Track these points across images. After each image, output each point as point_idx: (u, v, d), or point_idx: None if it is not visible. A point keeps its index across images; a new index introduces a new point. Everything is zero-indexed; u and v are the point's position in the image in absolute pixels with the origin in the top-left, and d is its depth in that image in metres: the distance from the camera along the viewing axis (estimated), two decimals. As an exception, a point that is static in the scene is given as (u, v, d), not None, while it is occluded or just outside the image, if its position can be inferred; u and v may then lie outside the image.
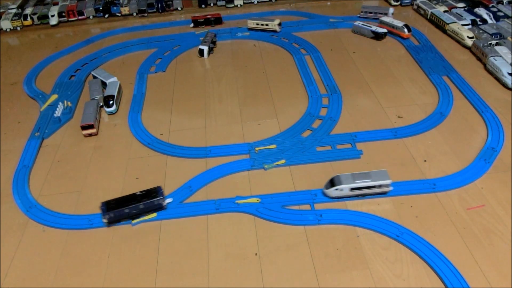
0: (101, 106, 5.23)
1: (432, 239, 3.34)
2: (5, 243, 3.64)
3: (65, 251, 3.51)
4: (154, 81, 5.84)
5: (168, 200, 3.82)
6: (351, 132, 4.55)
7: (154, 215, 3.73)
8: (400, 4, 7.52)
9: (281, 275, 3.19)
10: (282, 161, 4.21)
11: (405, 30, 6.17)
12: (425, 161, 4.14)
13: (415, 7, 7.30)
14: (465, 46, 6.03)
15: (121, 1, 8.04)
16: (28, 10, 7.84)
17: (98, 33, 7.31)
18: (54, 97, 5.51)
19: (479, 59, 5.70)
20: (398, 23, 6.26)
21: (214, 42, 6.50)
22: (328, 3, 7.91)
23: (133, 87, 5.69)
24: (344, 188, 3.64)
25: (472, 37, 5.95)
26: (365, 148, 4.32)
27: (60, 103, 5.32)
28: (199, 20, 7.20)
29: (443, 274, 3.08)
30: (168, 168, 4.28)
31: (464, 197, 3.71)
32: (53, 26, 7.66)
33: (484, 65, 5.53)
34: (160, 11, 7.91)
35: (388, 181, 3.65)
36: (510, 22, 6.30)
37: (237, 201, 3.81)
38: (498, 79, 5.24)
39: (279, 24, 6.63)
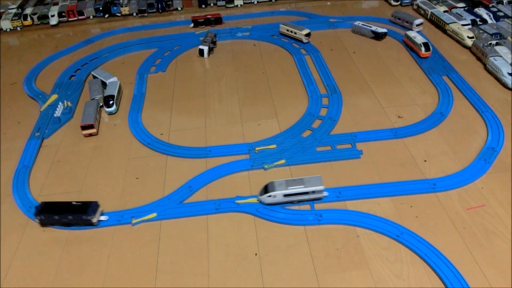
0: (101, 106, 5.23)
1: (432, 239, 3.34)
2: (5, 243, 3.64)
3: (65, 251, 3.51)
4: (154, 81, 5.84)
5: (103, 218, 3.68)
6: (351, 132, 4.55)
7: (154, 215, 3.74)
8: (400, 4, 7.52)
9: (281, 275, 3.19)
10: (282, 161, 4.21)
11: (423, 48, 5.68)
12: (425, 161, 4.14)
13: (415, 7, 7.30)
14: (465, 46, 6.02)
15: (121, 1, 8.03)
16: (28, 10, 7.84)
17: (98, 33, 7.31)
18: (54, 97, 5.51)
19: (479, 59, 5.70)
20: (419, 39, 5.79)
21: (214, 42, 6.50)
22: (328, 3, 7.91)
23: (133, 87, 5.69)
24: (277, 195, 3.63)
25: (472, 37, 5.95)
26: (365, 148, 4.32)
27: (60, 103, 5.32)
28: (199, 20, 7.20)
29: (443, 274, 3.08)
30: (168, 168, 4.28)
31: (464, 197, 3.71)
32: (53, 26, 7.66)
33: (484, 65, 5.53)
34: (160, 11, 7.91)
35: (321, 187, 3.63)
36: (510, 22, 6.30)
37: (237, 201, 3.81)
38: (498, 79, 5.24)
39: (307, 35, 6.31)
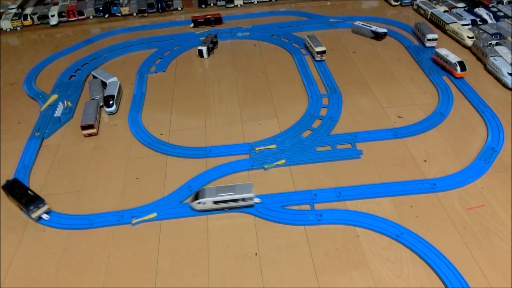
0: (101, 106, 5.23)
1: (432, 239, 3.34)
2: (5, 243, 3.64)
3: (65, 251, 3.51)
4: (154, 81, 5.84)
5: (44, 216, 3.76)
6: (351, 132, 4.55)
7: (154, 215, 3.74)
8: (400, 4, 7.52)
9: (281, 275, 3.19)
10: (282, 161, 4.21)
11: (458, 68, 5.19)
12: (425, 161, 4.14)
13: (415, 7, 7.30)
14: (465, 46, 6.03)
15: (121, 1, 8.04)
16: (28, 10, 7.84)
17: (98, 33, 7.31)
18: (54, 97, 5.51)
19: (479, 59, 5.70)
20: (453, 58, 5.27)
21: (214, 43, 6.50)
22: (328, 3, 7.91)
23: (133, 87, 5.69)
24: (207, 202, 3.63)
25: (472, 37, 5.96)
26: (365, 148, 4.32)
27: (60, 103, 5.32)
28: (199, 20, 7.20)
29: (443, 274, 3.08)
30: (168, 168, 4.28)
31: (464, 197, 3.71)
32: (53, 26, 7.66)
33: (484, 65, 5.53)
34: (160, 11, 7.91)
35: (250, 195, 3.62)
36: (510, 22, 6.30)
37: (237, 201, 3.81)
38: (498, 79, 5.24)
39: (321, 52, 5.84)
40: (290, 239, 3.45)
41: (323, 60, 5.87)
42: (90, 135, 4.79)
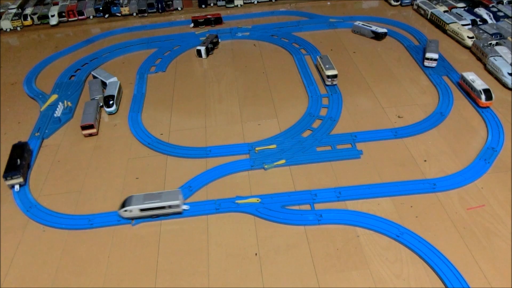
0: (101, 106, 5.23)
1: (432, 239, 3.34)
2: (5, 243, 3.64)
3: (65, 251, 3.51)
4: (154, 81, 5.84)
5: (16, 188, 4.07)
6: (351, 132, 4.55)
7: (154, 215, 3.74)
8: (400, 4, 7.52)
9: (281, 275, 3.19)
10: (282, 161, 4.21)
11: (483, 96, 4.65)
12: (425, 161, 4.14)
13: (415, 7, 7.30)
14: (465, 46, 6.03)
15: (121, 1, 8.03)
16: (28, 10, 7.84)
17: (98, 33, 7.31)
18: (54, 97, 5.51)
19: (479, 59, 5.70)
20: (478, 85, 4.76)
21: (214, 43, 6.49)
22: (328, 3, 7.91)
23: (133, 87, 5.69)
24: (133, 209, 3.62)
25: (472, 37, 5.96)
26: (365, 148, 4.32)
27: (60, 103, 5.32)
28: (199, 20, 7.20)
29: (443, 274, 3.08)
30: (168, 168, 4.28)
31: (464, 197, 3.71)
32: (53, 26, 7.66)
33: (484, 65, 5.53)
34: (160, 11, 7.91)
35: (176, 202, 3.61)
36: (510, 22, 6.30)
37: (237, 201, 3.81)
38: (498, 79, 5.24)
39: (330, 77, 5.26)
40: (290, 239, 3.45)
41: (334, 84, 5.33)
42: (90, 135, 4.79)
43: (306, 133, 4.58)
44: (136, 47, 6.74)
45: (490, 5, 6.87)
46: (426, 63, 5.57)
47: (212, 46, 6.40)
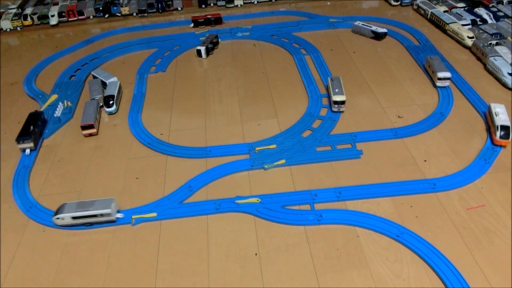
0: (101, 106, 5.23)
1: (432, 239, 3.34)
2: (5, 243, 3.64)
3: (65, 251, 3.51)
4: (154, 81, 5.84)
5: (27, 151, 4.47)
6: (351, 132, 4.55)
7: (154, 215, 3.74)
8: (400, 4, 7.52)
9: (281, 275, 3.19)
10: (282, 161, 4.21)
11: (498, 133, 4.15)
12: (425, 161, 4.14)
13: (415, 7, 7.30)
14: (465, 46, 6.03)
15: (121, 1, 8.04)
16: (28, 10, 7.84)
17: (98, 33, 7.31)
18: (54, 97, 5.51)
19: (479, 59, 5.70)
20: (500, 120, 4.21)
21: (214, 43, 6.49)
22: (328, 3, 7.91)
23: (133, 87, 5.69)
24: (65, 217, 3.60)
25: (472, 37, 5.96)
26: (365, 148, 4.32)
27: (60, 103, 5.32)
28: (199, 20, 7.20)
29: (443, 274, 3.08)
30: (168, 168, 4.28)
31: (464, 197, 3.71)
32: (53, 26, 7.66)
33: (484, 65, 5.53)
34: (160, 11, 7.91)
35: (108, 210, 3.60)
36: (510, 22, 6.30)
37: (237, 201, 3.81)
38: (498, 79, 5.24)
39: (337, 103, 4.77)
40: (290, 239, 3.45)
41: (341, 111, 4.85)
42: (90, 135, 4.80)
43: (306, 133, 4.58)
44: (136, 47, 6.74)
45: (490, 5, 6.87)
46: (439, 83, 5.07)
47: (212, 46, 6.40)
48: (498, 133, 4.15)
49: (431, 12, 6.79)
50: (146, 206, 3.84)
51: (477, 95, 4.96)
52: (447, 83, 5.09)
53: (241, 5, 7.99)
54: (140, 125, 4.93)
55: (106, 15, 7.90)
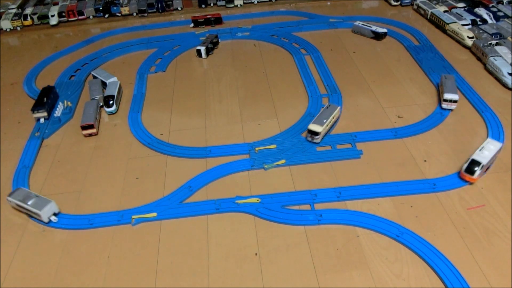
0: (101, 106, 5.23)
1: (432, 239, 3.34)
2: (5, 243, 3.64)
3: (65, 251, 3.51)
4: (154, 81, 5.84)
5: (41, 120, 4.93)
6: (351, 132, 4.55)
7: (154, 215, 3.74)
8: (400, 4, 7.52)
9: (281, 275, 3.19)
10: (282, 161, 4.21)
11: (465, 165, 3.81)
12: (425, 161, 4.14)
13: (415, 7, 7.30)
14: (465, 46, 6.03)
15: (121, 1, 8.03)
16: (28, 10, 7.84)
17: (98, 33, 7.31)
18: (54, 97, 5.52)
19: (479, 59, 5.70)
20: (476, 154, 3.86)
21: (215, 43, 6.49)
22: (328, 3, 7.91)
23: (133, 87, 5.69)
24: (12, 201, 3.81)
25: (472, 37, 5.96)
26: (365, 148, 4.32)
27: (60, 103, 5.32)
28: (199, 20, 7.20)
29: (443, 274, 3.08)
30: (168, 168, 4.28)
31: (464, 197, 3.71)
32: (53, 26, 7.66)
33: (484, 65, 5.53)
34: (160, 11, 7.91)
35: (38, 212, 3.64)
36: (510, 22, 6.30)
37: (237, 201, 3.81)
38: (498, 79, 5.24)
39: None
40: (290, 239, 3.45)
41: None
42: (90, 135, 4.80)
43: (306, 133, 4.58)
44: (136, 47, 6.74)
45: (490, 5, 6.87)
46: (445, 105, 4.73)
47: (212, 46, 6.40)
48: (464, 165, 3.82)
49: (431, 12, 6.79)
50: (146, 206, 3.84)
51: (477, 95, 4.96)
52: (453, 106, 4.72)
53: (241, 5, 7.99)
54: (140, 125, 4.93)
55: (106, 15, 7.90)
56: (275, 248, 3.39)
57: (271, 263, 3.28)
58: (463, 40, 6.02)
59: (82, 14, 7.82)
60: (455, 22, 6.36)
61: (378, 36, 6.38)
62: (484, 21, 6.49)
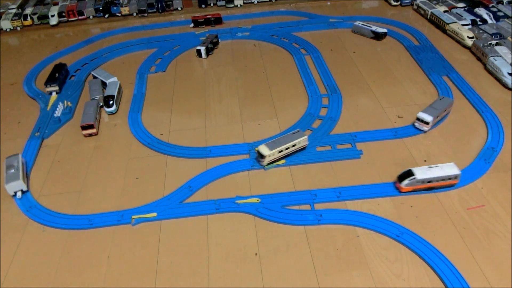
0: (101, 106, 5.23)
1: (432, 239, 3.34)
2: (5, 243, 3.64)
3: (65, 251, 3.51)
4: (154, 81, 5.84)
5: (53, 94, 5.33)
6: (351, 132, 4.55)
7: (154, 215, 3.74)
8: (400, 4, 7.52)
9: (281, 275, 3.19)
10: (282, 161, 4.21)
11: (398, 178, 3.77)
12: (425, 161, 4.14)
13: (415, 7, 7.30)
14: (465, 46, 6.03)
15: (121, 1, 8.03)
16: (28, 10, 7.84)
17: (98, 33, 7.31)
18: (54, 97, 5.51)
19: (479, 59, 5.70)
20: (416, 169, 3.73)
21: (215, 43, 6.49)
22: (328, 3, 7.91)
23: (133, 87, 5.69)
24: (4, 163, 4.05)
25: (472, 37, 5.96)
26: (365, 148, 4.32)
27: (60, 103, 5.32)
28: (199, 20, 7.20)
29: (443, 274, 3.08)
30: (168, 168, 4.28)
31: (464, 197, 3.71)
32: (53, 26, 7.66)
33: (484, 65, 5.53)
34: (160, 11, 7.91)
35: (5, 185, 3.84)
36: (510, 22, 6.30)
37: (237, 201, 3.81)
38: (498, 79, 5.24)
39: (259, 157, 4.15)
40: (290, 239, 3.45)
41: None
42: (90, 135, 4.79)
43: (306, 133, 4.58)
44: (136, 47, 6.74)
45: (490, 5, 6.87)
46: (416, 124, 4.47)
47: (212, 46, 6.40)
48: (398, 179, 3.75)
49: (431, 12, 6.79)
50: (146, 206, 3.84)
51: (477, 95, 4.96)
52: (425, 127, 4.39)
53: (241, 5, 7.99)
54: (140, 125, 4.93)
55: (106, 15, 7.90)
56: (275, 248, 3.39)
57: (271, 263, 3.28)
58: (463, 40, 6.02)
59: (82, 14, 7.82)
60: (455, 22, 6.36)
61: (378, 36, 6.38)
62: (484, 21, 6.49)
